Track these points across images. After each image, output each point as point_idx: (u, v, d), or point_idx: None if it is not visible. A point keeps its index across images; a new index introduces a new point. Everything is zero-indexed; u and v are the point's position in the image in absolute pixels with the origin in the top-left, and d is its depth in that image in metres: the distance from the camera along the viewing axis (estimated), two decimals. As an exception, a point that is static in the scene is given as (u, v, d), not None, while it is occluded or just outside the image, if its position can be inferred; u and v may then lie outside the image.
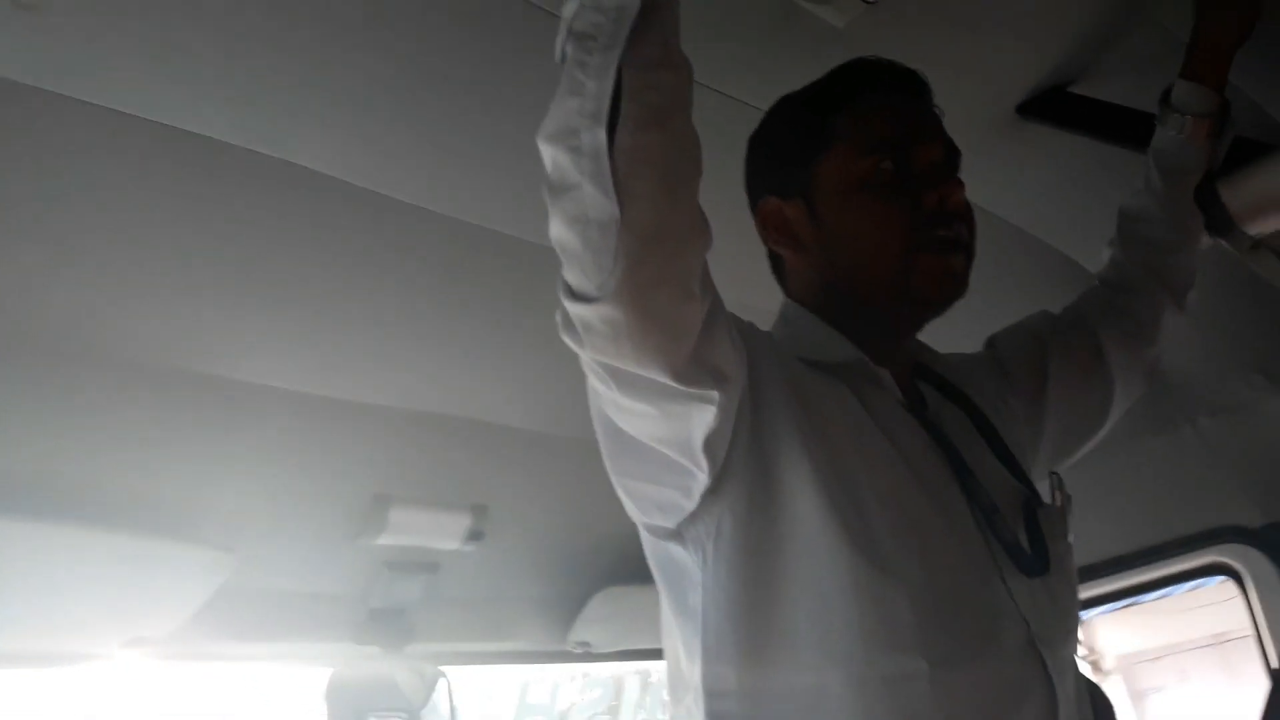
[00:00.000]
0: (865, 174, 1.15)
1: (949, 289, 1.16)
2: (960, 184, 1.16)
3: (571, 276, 0.89)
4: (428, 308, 1.67)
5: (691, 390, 0.93)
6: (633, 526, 1.14)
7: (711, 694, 1.03)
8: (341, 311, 1.63)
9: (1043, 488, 1.23)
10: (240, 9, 1.15)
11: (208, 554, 1.74)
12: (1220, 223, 1.37)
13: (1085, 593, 2.40)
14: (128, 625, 1.82)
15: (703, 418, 0.96)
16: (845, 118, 1.18)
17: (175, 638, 1.86)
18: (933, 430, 1.16)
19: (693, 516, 1.05)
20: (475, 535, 2.03)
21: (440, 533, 2.01)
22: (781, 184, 1.22)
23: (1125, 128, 1.47)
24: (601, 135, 0.82)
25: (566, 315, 0.91)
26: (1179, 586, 2.37)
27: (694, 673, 1.05)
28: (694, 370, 0.92)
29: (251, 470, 1.77)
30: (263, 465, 1.77)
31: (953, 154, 1.20)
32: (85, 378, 1.54)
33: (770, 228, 1.23)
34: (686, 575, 1.06)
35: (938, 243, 1.13)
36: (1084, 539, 2.26)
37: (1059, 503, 1.18)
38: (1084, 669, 1.24)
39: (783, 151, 1.23)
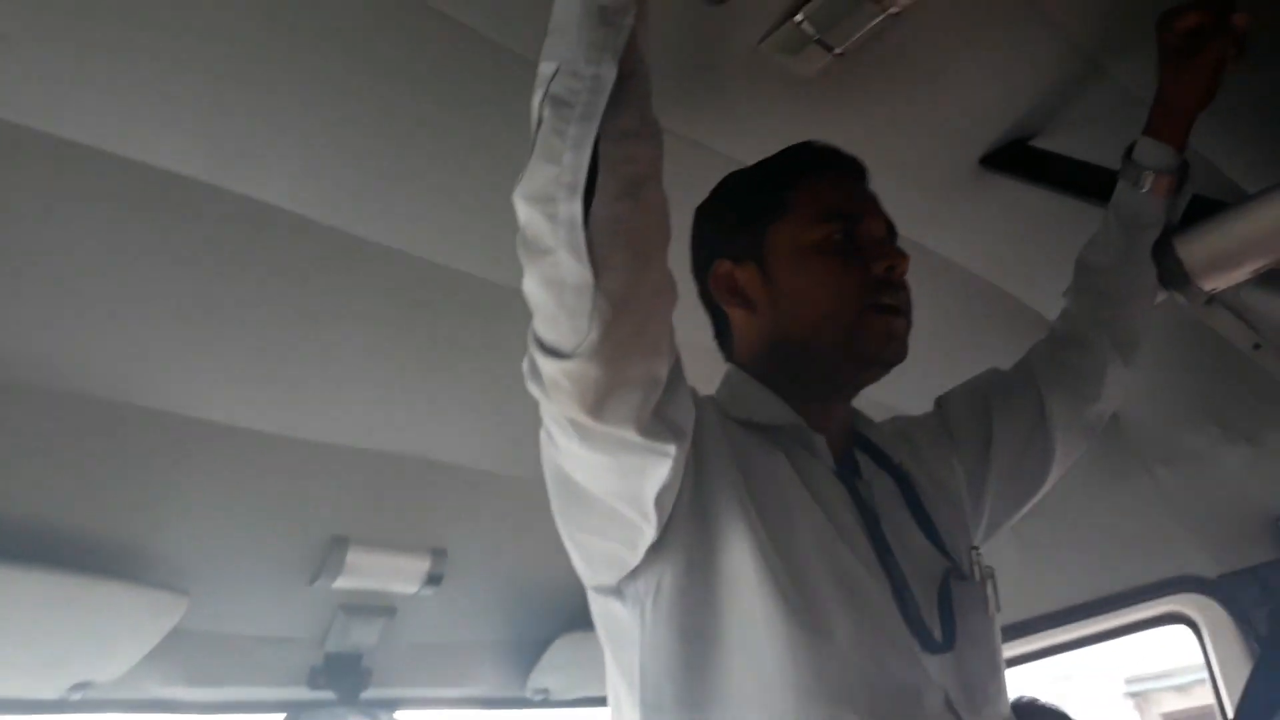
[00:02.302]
0: (819, 239, 1.22)
1: (892, 350, 1.21)
2: (906, 257, 1.22)
3: (545, 332, 0.92)
4: (388, 347, 1.66)
5: (652, 444, 0.97)
6: (594, 573, 1.18)
7: None
8: (300, 349, 1.61)
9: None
10: (203, 43, 1.14)
11: (159, 596, 1.70)
12: (1176, 277, 1.40)
13: (1040, 643, 2.42)
14: (74, 669, 1.76)
15: (657, 472, 1.00)
16: (798, 191, 1.25)
17: (124, 682, 1.82)
18: (858, 500, 1.20)
19: (634, 574, 1.08)
20: (434, 579, 2.00)
21: (398, 576, 1.98)
22: (734, 249, 1.27)
23: (1084, 182, 1.50)
24: (578, 208, 0.85)
25: (534, 366, 0.95)
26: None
27: None
28: (656, 425, 0.97)
29: (205, 510, 1.73)
30: (217, 505, 1.74)
31: (892, 232, 1.27)
32: (33, 412, 1.50)
33: (723, 290, 1.28)
34: (626, 632, 1.10)
35: (884, 307, 1.20)
36: (1039, 588, 2.31)
37: (978, 577, 1.22)
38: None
39: (736, 219, 1.28)
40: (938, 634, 1.13)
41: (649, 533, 1.05)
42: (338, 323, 1.59)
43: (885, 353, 1.21)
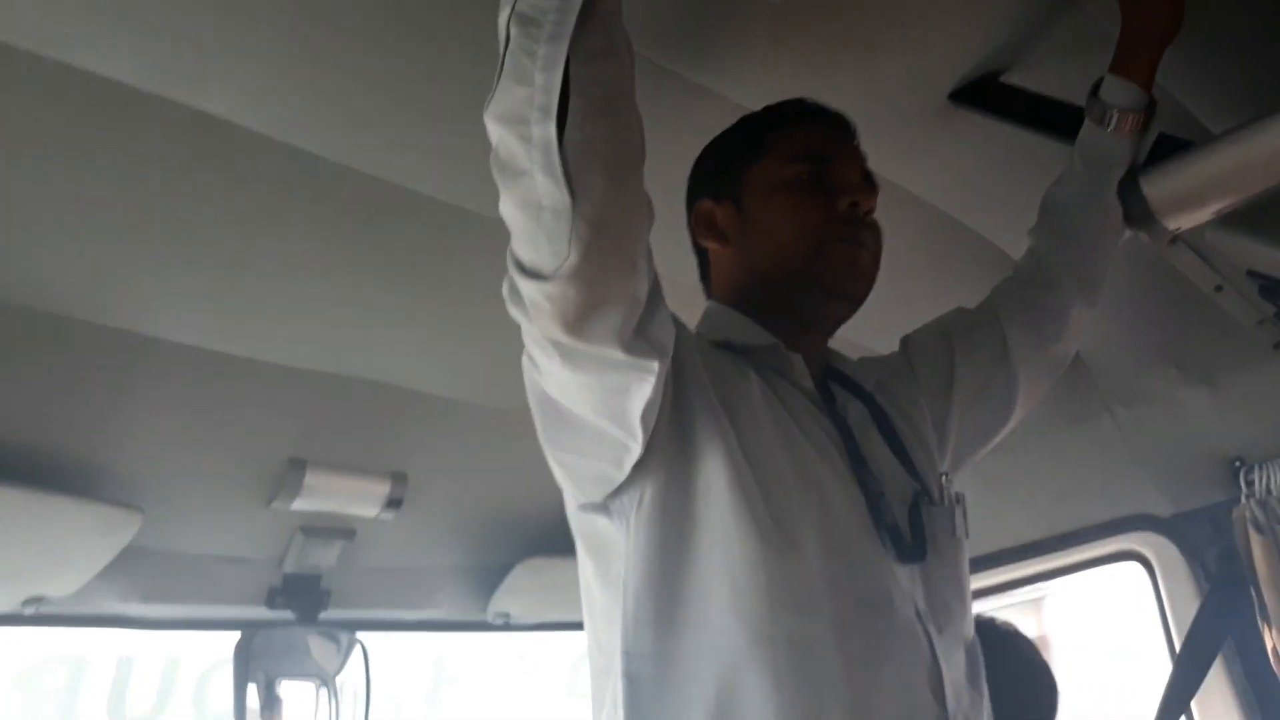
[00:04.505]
0: (790, 177, 1.26)
1: (852, 281, 1.26)
2: (873, 194, 1.27)
3: (524, 253, 0.94)
4: (351, 269, 1.63)
5: (635, 361, 0.99)
6: (555, 498, 1.21)
7: (630, 655, 1.09)
8: (261, 268, 1.58)
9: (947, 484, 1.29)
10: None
11: (113, 512, 1.69)
12: (1141, 216, 1.39)
13: (998, 577, 2.46)
14: (28, 583, 1.76)
15: (641, 389, 1.02)
16: (779, 134, 1.30)
17: (79, 598, 1.82)
18: (835, 419, 1.23)
19: (618, 490, 1.11)
20: (394, 503, 2.01)
21: (358, 499, 1.98)
22: (716, 189, 1.32)
23: (1054, 118, 1.47)
24: (551, 129, 0.85)
25: (514, 288, 0.96)
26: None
27: (613, 637, 1.11)
28: (639, 342, 0.99)
29: (162, 428, 1.72)
30: (174, 423, 1.73)
31: (870, 181, 1.30)
32: (-13, 327, 1.48)
33: (701, 226, 1.33)
34: (611, 545, 1.13)
35: (845, 239, 1.24)
36: (999, 524, 2.33)
37: (948, 503, 1.25)
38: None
39: (721, 162, 1.33)
40: (910, 543, 1.17)
41: (635, 449, 1.07)
42: (298, 243, 1.56)
43: (844, 284, 1.26)
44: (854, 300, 1.28)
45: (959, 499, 1.27)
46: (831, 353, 1.36)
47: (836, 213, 1.24)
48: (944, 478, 1.29)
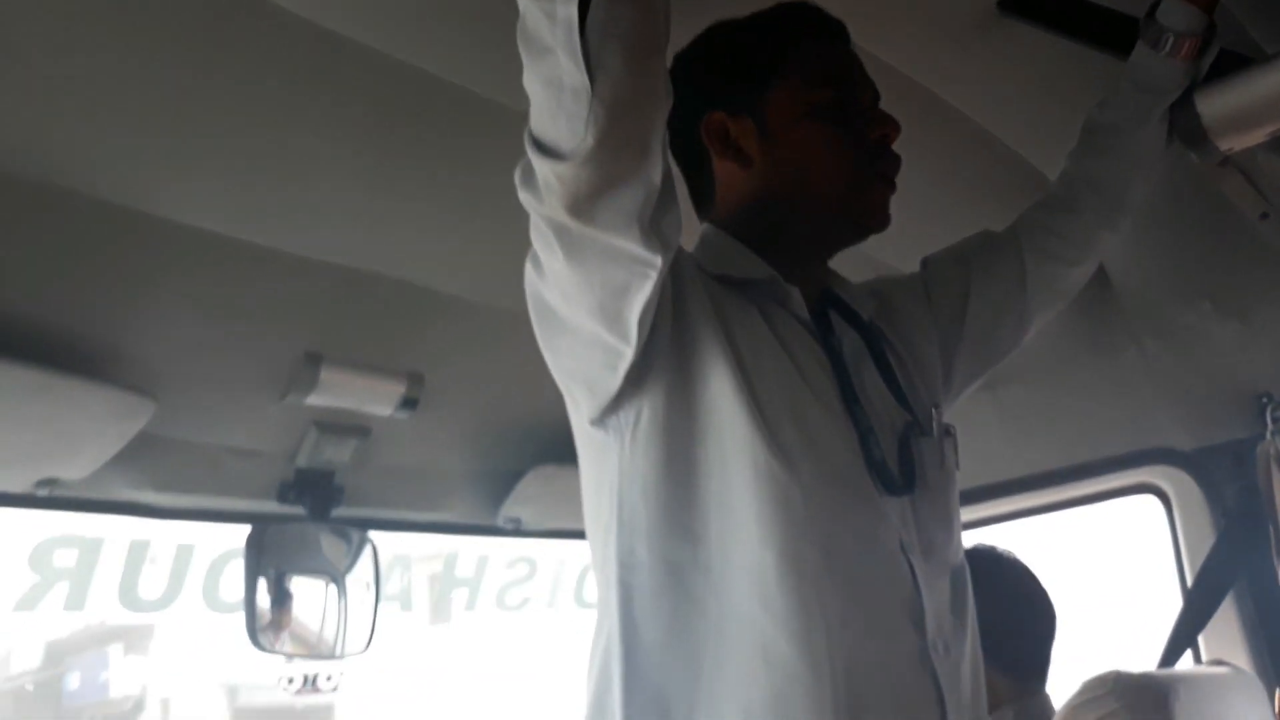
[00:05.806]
0: (819, 102, 1.25)
1: (882, 217, 1.27)
2: (898, 126, 1.26)
3: (543, 128, 0.95)
4: (376, 160, 1.59)
5: (644, 254, 1.00)
6: (571, 407, 1.21)
7: (625, 565, 1.13)
8: (283, 155, 1.54)
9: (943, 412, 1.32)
10: None
11: (126, 397, 1.67)
12: (1192, 134, 1.34)
13: (1013, 505, 2.46)
14: (41, 464, 1.76)
15: (641, 286, 1.03)
16: (798, 52, 1.27)
17: (92, 482, 1.82)
18: (829, 352, 1.24)
19: (615, 404, 1.13)
20: (409, 403, 1.99)
21: (373, 397, 1.96)
22: (729, 101, 1.28)
23: (1110, 31, 1.41)
24: (573, 10, 0.86)
25: (527, 169, 0.98)
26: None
27: (610, 546, 1.15)
28: (651, 229, 1.00)
29: (175, 314, 1.69)
30: (188, 310, 1.70)
31: (877, 98, 1.30)
32: (3, 201, 1.45)
33: (715, 140, 1.29)
34: (608, 458, 1.16)
35: (879, 174, 1.26)
36: (1015, 452, 2.32)
37: (936, 435, 1.27)
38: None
39: (732, 71, 1.29)
40: (898, 478, 1.19)
41: (628, 354, 1.08)
42: (323, 130, 1.51)
43: (874, 220, 1.27)
44: (872, 233, 1.29)
45: (948, 430, 1.29)
46: (831, 275, 1.35)
47: (868, 143, 1.25)
48: (934, 410, 1.30)
